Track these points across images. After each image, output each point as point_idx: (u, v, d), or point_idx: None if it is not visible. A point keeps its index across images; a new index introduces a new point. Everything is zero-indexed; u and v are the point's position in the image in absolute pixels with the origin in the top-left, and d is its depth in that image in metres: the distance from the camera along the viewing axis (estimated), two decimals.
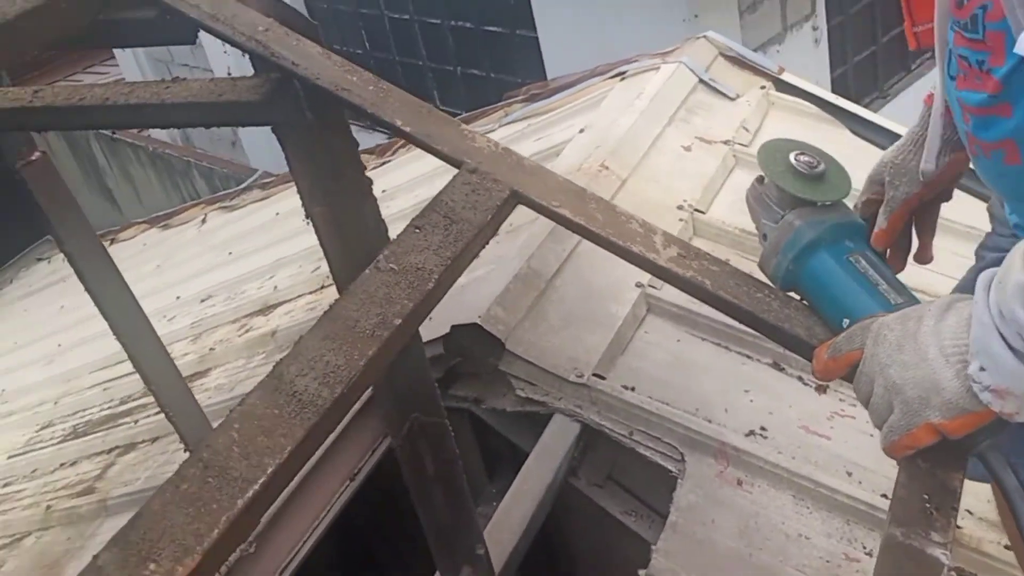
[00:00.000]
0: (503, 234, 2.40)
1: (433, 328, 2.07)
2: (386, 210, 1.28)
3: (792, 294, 1.08)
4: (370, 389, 1.47)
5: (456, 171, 1.08)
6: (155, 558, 0.74)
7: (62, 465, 3.20)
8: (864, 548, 1.72)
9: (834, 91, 3.84)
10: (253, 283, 3.59)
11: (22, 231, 5.74)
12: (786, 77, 3.09)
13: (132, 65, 10.39)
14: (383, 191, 3.30)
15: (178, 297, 3.93)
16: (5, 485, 3.36)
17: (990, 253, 1.39)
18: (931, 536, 0.86)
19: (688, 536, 1.78)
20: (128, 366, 3.11)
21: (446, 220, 1.01)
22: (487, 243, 1.03)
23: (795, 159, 1.11)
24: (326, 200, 1.22)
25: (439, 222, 1.01)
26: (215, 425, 0.93)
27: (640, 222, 1.08)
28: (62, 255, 1.98)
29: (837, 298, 1.02)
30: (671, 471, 1.90)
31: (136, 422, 3.10)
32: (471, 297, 2.18)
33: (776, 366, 2.08)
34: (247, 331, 3.21)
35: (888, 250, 1.23)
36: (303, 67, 1.10)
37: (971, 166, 1.15)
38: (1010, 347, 0.78)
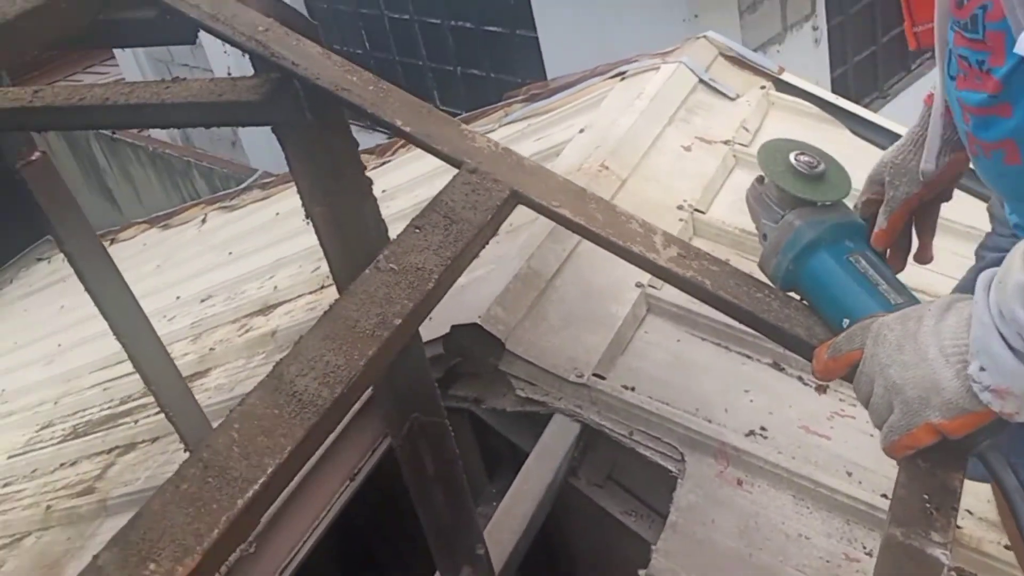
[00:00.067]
0: (503, 234, 2.40)
1: (433, 328, 2.07)
2: (386, 210, 1.28)
3: (792, 294, 1.08)
4: (370, 389, 1.47)
5: (456, 171, 1.08)
6: (155, 558, 0.74)
7: (62, 465, 3.20)
8: (864, 548, 1.72)
9: (834, 91, 3.84)
10: (253, 283, 3.59)
11: (22, 231, 5.74)
12: (786, 77, 3.09)
13: (132, 65, 10.39)
14: (383, 191, 3.30)
15: (178, 297, 3.93)
16: (5, 485, 3.36)
17: (990, 253, 1.39)
18: (931, 536, 0.86)
19: (688, 536, 1.78)
20: (128, 366, 3.11)
21: (446, 220, 1.01)
22: (487, 243, 1.03)
23: (795, 159, 1.11)
24: (326, 200, 1.22)
25: (439, 222, 1.01)
26: (215, 425, 0.93)
27: (640, 222, 1.08)
28: (62, 255, 1.98)
29: (837, 298, 1.02)
30: (671, 471, 1.90)
31: (136, 422, 3.10)
32: (471, 297, 2.18)
33: (776, 366, 2.08)
34: (247, 331, 3.21)
35: (888, 250, 1.23)
36: (303, 67, 1.10)
37: (971, 166, 1.15)
38: (1010, 347, 0.78)
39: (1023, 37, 0.84)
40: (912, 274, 1.20)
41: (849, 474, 1.83)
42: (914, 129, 1.23)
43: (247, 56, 1.12)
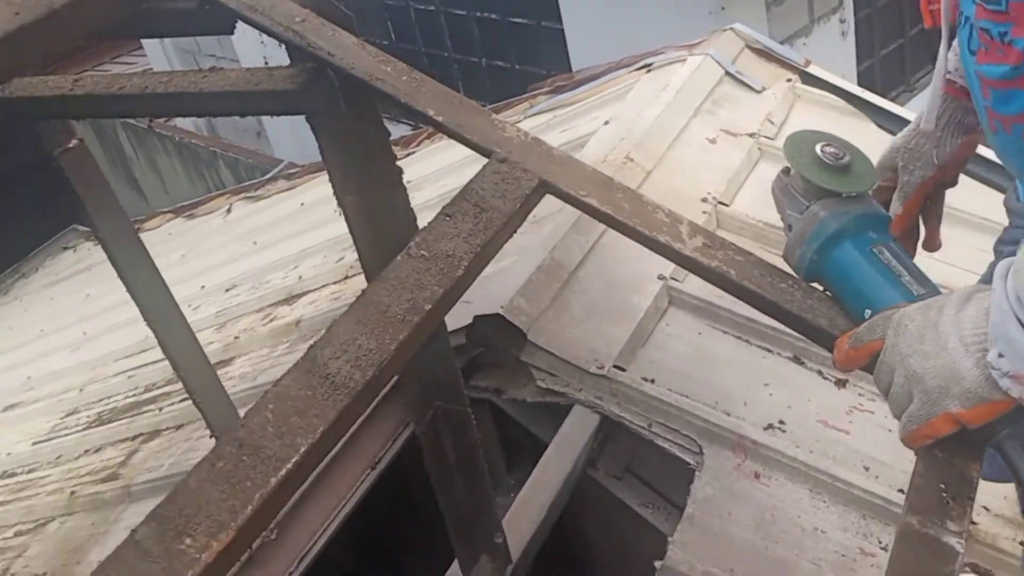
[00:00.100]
0: (527, 225, 2.40)
1: (456, 318, 2.09)
2: (412, 200, 1.30)
3: (815, 285, 1.10)
4: (395, 377, 1.49)
5: (485, 161, 1.10)
6: (191, 532, 0.77)
7: (86, 451, 3.22)
8: (880, 543, 1.73)
9: (860, 84, 3.83)
10: (278, 273, 3.61)
11: (48, 220, 5.79)
12: (812, 70, 3.07)
13: (160, 55, 10.46)
14: (409, 181, 3.30)
15: (203, 286, 3.96)
16: (30, 471, 3.40)
17: (1008, 247, 1.39)
18: (947, 525, 0.87)
19: (705, 528, 1.79)
20: (153, 354, 3.14)
21: (476, 208, 1.03)
22: (516, 231, 1.05)
23: (821, 150, 1.12)
24: (358, 189, 1.24)
25: (469, 210, 1.02)
26: (241, 412, 0.95)
27: (666, 212, 1.10)
28: (87, 244, 2.00)
29: (860, 289, 1.03)
30: (689, 463, 1.91)
31: (160, 409, 3.13)
32: (494, 288, 2.19)
33: (796, 360, 2.08)
34: (271, 320, 3.24)
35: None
36: (338, 57, 1.12)
37: (992, 154, 1.15)
38: None
39: None
40: (933, 269, 1.21)
41: (866, 469, 1.83)
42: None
43: (283, 47, 1.14)
